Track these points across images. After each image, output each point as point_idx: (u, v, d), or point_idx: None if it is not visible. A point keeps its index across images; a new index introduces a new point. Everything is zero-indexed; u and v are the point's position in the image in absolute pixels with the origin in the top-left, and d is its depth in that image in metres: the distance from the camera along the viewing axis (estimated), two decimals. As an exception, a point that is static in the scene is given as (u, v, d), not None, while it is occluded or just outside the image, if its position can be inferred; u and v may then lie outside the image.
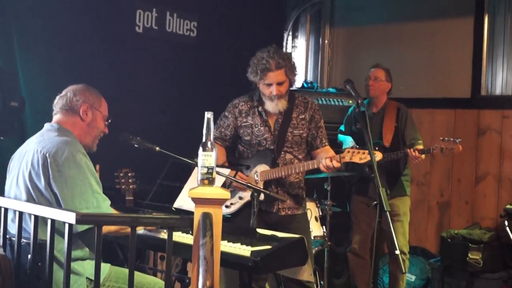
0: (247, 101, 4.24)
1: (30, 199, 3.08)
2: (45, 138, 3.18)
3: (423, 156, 4.91)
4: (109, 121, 3.44)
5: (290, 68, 4.06)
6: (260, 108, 4.17)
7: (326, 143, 4.24)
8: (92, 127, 3.34)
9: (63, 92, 3.36)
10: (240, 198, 4.11)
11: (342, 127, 5.52)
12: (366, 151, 3.92)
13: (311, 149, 4.25)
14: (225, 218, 4.14)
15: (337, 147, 4.34)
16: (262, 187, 4.07)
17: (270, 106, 4.10)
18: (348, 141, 5.17)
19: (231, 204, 4.15)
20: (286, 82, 4.07)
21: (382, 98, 5.35)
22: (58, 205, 3.02)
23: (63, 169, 3.03)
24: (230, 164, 4.21)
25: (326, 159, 3.91)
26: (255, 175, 4.12)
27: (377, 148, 4.08)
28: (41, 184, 3.05)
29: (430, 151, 4.91)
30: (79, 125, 3.30)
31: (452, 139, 4.89)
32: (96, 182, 3.13)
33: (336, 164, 3.91)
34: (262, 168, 4.12)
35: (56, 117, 3.33)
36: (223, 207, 4.10)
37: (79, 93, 3.32)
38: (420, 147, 4.99)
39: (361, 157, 3.88)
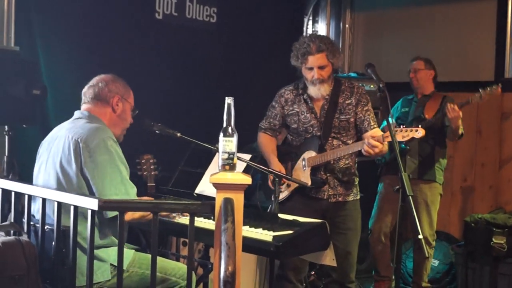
0: (292, 89, 4.20)
1: (59, 185, 3.12)
2: (76, 125, 3.23)
3: (460, 114, 4.88)
4: (136, 112, 3.47)
5: (331, 52, 3.99)
6: (305, 96, 4.12)
7: (375, 125, 4.12)
8: (122, 119, 3.39)
9: (93, 82, 3.39)
10: (288, 185, 4.08)
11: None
12: (409, 129, 3.88)
13: (360, 133, 4.14)
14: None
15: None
16: (309, 173, 4.06)
17: (312, 91, 4.06)
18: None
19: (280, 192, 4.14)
20: (328, 67, 4.01)
21: (427, 86, 5.42)
22: (90, 191, 3.06)
23: (94, 155, 3.07)
24: (280, 153, 4.20)
25: (369, 139, 3.83)
26: (302, 162, 4.10)
27: (420, 126, 4.05)
28: (72, 170, 3.09)
29: (469, 102, 4.97)
30: (109, 115, 3.35)
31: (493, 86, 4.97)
32: (125, 168, 3.17)
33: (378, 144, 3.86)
34: (309, 154, 4.09)
35: (86, 106, 3.37)
36: (272, 196, 4.11)
37: (111, 84, 3.36)
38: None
39: (403, 135, 3.83)
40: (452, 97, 5.31)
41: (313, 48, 3.96)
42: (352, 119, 4.10)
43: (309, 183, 4.00)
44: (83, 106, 3.38)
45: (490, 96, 4.97)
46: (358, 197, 4.23)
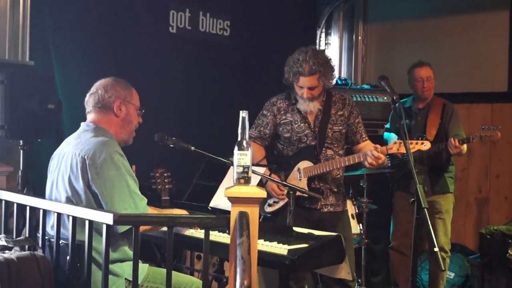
0: (285, 99, 4.23)
1: (69, 202, 3.10)
2: (82, 140, 3.19)
3: (464, 147, 4.84)
4: (143, 111, 3.44)
5: (324, 74, 4.00)
6: (298, 105, 4.16)
7: (366, 138, 4.21)
8: (127, 122, 3.34)
9: (93, 89, 3.35)
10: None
11: (388, 125, 5.48)
12: (414, 141, 3.89)
13: (352, 145, 4.22)
14: (267, 217, 4.15)
15: (377, 143, 4.29)
16: (306, 184, 4.06)
17: (301, 105, 4.11)
18: (392, 137, 5.14)
19: (274, 202, 4.15)
20: (319, 86, 4.04)
21: (432, 95, 5.30)
22: (99, 206, 3.05)
23: (101, 171, 3.05)
24: (270, 162, 4.21)
25: (373, 150, 3.86)
26: (298, 172, 4.10)
27: (425, 137, 4.05)
28: (80, 186, 3.08)
29: (470, 140, 4.83)
30: (114, 122, 3.31)
31: (492, 126, 4.84)
32: (134, 181, 3.14)
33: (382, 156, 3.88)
34: (305, 164, 4.10)
35: (91, 116, 3.33)
36: (266, 205, 4.13)
37: (110, 89, 3.30)
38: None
39: (409, 147, 3.84)
40: (455, 107, 5.26)
41: (306, 69, 3.97)
42: (344, 130, 4.18)
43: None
44: (88, 117, 3.34)
45: (490, 139, 4.82)
46: (346, 208, 4.30)
